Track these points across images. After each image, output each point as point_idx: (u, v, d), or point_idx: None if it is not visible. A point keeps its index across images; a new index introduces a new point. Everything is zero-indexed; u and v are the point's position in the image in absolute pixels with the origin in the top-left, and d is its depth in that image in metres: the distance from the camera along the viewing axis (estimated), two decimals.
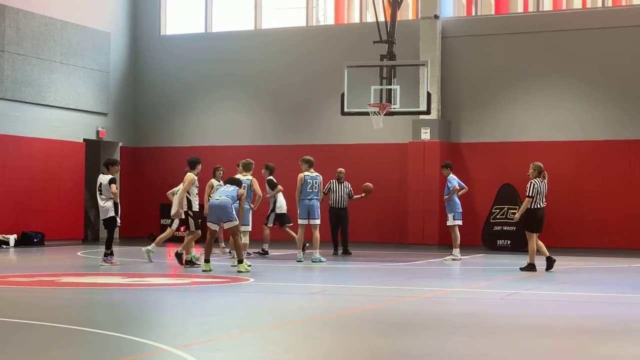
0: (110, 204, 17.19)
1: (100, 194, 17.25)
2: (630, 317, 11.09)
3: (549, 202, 23.53)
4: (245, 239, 17.62)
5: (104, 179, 17.27)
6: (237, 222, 15.99)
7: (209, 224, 16.05)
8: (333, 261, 19.06)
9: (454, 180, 19.80)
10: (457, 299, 13.11)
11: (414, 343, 8.96)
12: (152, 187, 27.13)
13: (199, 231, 17.28)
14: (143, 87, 27.95)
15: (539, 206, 16.68)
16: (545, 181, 16.88)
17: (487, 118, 24.59)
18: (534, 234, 16.75)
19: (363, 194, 21.26)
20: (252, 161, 17.95)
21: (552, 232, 23.55)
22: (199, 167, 17.41)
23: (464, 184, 20.13)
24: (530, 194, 16.63)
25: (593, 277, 16.16)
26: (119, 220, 17.45)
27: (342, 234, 21.10)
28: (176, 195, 17.51)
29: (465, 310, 11.73)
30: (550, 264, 16.66)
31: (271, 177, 20.15)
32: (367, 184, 21.38)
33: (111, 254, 17.36)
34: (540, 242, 16.82)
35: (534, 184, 16.66)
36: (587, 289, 14.26)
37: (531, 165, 16.93)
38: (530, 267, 16.58)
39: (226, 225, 15.93)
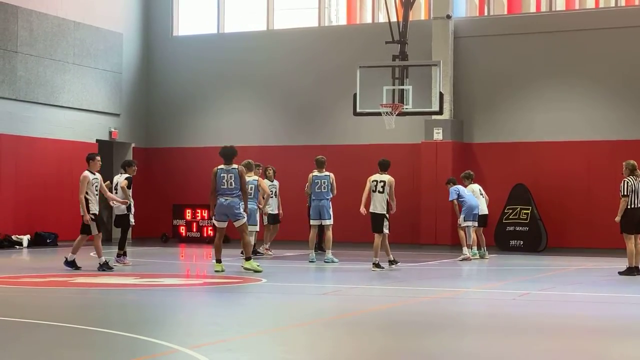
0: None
1: (116, 193, 17.34)
2: None
3: (562, 202, 23.64)
4: (252, 239, 17.65)
5: (120, 179, 17.41)
6: (245, 220, 16.01)
7: (217, 223, 16.05)
8: (345, 262, 19.02)
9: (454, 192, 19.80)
10: (470, 299, 13.09)
11: (427, 344, 8.95)
12: (164, 188, 27.18)
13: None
14: (155, 88, 27.99)
15: (636, 206, 15.88)
16: None
17: (500, 118, 24.53)
18: (632, 236, 15.96)
19: None
20: (252, 162, 17.97)
21: (565, 232, 23.51)
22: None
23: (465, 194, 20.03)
24: (625, 193, 15.84)
25: (605, 277, 16.09)
26: (132, 220, 17.50)
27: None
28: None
29: (478, 310, 11.72)
30: (633, 271, 15.95)
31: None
32: None
33: (124, 254, 17.41)
34: (634, 248, 15.94)
35: (627, 182, 15.88)
36: (600, 289, 14.22)
37: (624, 163, 16.17)
38: (630, 271, 15.91)
39: (236, 224, 15.93)
